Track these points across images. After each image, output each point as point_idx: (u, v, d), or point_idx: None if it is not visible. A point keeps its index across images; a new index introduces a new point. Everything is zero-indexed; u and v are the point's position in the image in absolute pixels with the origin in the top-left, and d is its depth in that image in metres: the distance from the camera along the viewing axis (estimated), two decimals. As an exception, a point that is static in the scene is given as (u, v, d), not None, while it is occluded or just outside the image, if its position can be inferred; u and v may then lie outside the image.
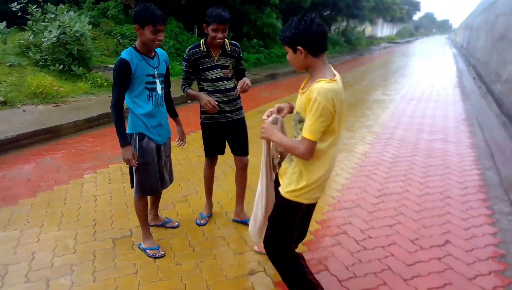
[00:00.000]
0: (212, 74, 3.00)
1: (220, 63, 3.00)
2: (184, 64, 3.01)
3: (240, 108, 3.21)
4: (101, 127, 6.40)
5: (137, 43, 2.65)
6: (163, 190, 3.08)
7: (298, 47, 1.82)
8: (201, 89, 3.08)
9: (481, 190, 4.12)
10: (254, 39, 16.74)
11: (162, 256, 2.86)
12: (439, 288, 2.58)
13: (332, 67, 1.96)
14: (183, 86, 3.11)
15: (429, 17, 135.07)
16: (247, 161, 3.28)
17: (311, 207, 2.10)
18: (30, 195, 3.82)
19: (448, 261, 2.88)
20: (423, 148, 5.56)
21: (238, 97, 3.17)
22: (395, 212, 3.64)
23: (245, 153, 3.25)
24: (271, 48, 17.32)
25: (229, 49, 3.03)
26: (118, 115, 2.58)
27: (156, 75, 2.72)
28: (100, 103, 7.37)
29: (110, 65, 10.06)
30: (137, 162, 2.66)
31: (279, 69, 14.53)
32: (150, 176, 2.78)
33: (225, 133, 3.20)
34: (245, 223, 3.26)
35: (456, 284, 2.62)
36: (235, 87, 3.10)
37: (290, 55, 1.91)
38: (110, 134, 6.02)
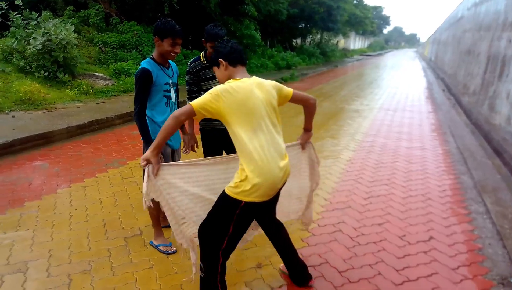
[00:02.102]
0: (211, 84, 3.15)
1: None
2: (187, 76, 3.19)
3: None
4: (93, 133, 6.49)
5: (154, 54, 2.86)
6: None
7: (220, 59, 2.19)
8: None
9: (458, 193, 4.51)
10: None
11: (174, 252, 3.06)
12: (427, 277, 2.88)
13: (252, 77, 2.19)
14: (189, 99, 3.25)
15: (398, 31, 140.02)
16: None
17: (252, 207, 2.09)
18: (35, 198, 3.92)
19: (433, 254, 3.20)
20: (403, 154, 5.96)
21: None
22: (383, 212, 3.95)
23: None
24: (250, 59, 17.69)
25: None
26: (142, 122, 2.74)
27: (171, 84, 2.95)
28: (89, 110, 7.45)
29: (94, 73, 10.11)
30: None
31: (259, 79, 14.85)
32: None
33: (223, 141, 3.31)
34: None
35: (441, 273, 2.93)
36: None
37: (216, 71, 2.27)
38: (102, 141, 6.12)
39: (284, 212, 2.89)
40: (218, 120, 3.15)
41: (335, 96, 12.22)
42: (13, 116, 6.53)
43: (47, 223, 3.41)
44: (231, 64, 2.18)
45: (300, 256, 2.82)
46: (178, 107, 3.17)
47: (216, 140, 3.29)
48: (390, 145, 6.50)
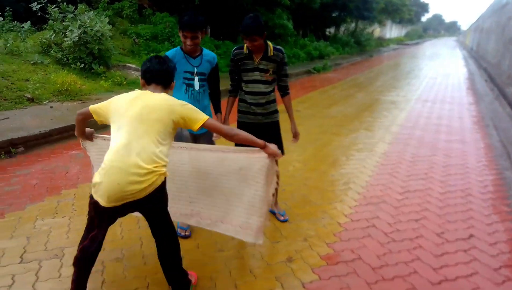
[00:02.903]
0: (250, 76, 3.17)
1: (261, 66, 3.13)
2: (230, 64, 3.24)
3: (273, 112, 3.30)
4: (126, 123, 6.60)
5: None
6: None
7: (140, 77, 2.36)
8: (240, 89, 3.27)
9: (501, 189, 4.27)
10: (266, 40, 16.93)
11: (185, 237, 3.14)
12: (467, 277, 2.74)
13: (157, 93, 2.22)
14: (229, 90, 3.35)
15: (437, 18, 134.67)
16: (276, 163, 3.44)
17: (96, 205, 2.05)
18: (71, 186, 4.03)
19: (473, 253, 3.04)
20: (442, 148, 5.71)
21: (272, 102, 3.28)
22: (419, 207, 3.79)
23: None
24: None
25: (272, 54, 3.12)
26: None
27: (195, 73, 3.01)
28: (123, 100, 7.58)
29: (128, 64, 10.30)
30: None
31: (291, 69, 14.67)
32: None
33: (257, 135, 3.32)
34: (274, 213, 3.51)
35: (482, 273, 2.78)
36: (270, 92, 3.23)
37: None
38: (135, 131, 6.22)
39: (232, 217, 2.62)
40: (251, 114, 3.21)
41: (369, 86, 11.90)
42: (51, 107, 6.74)
43: (82, 211, 3.49)
44: (146, 82, 2.29)
45: (332, 251, 2.74)
46: (215, 97, 3.25)
47: (252, 134, 3.26)
48: (428, 138, 6.25)
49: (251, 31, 2.93)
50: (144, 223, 3.30)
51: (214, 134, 3.25)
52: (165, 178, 2.13)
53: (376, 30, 41.70)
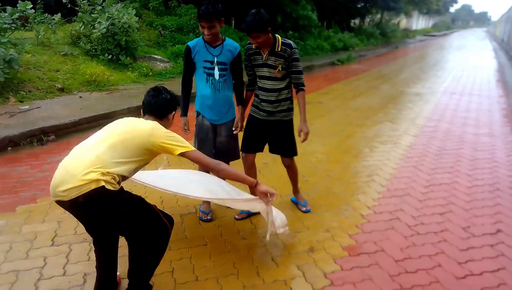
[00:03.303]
0: (260, 72, 3.10)
1: (269, 62, 3.02)
2: (245, 58, 3.18)
3: (282, 111, 3.15)
4: (152, 114, 6.73)
5: None
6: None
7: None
8: (256, 83, 3.22)
9: (531, 184, 4.14)
10: (290, 31, 16.81)
11: (207, 220, 3.25)
12: (493, 272, 2.69)
13: (147, 120, 2.27)
14: (247, 84, 3.32)
15: (466, 9, 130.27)
16: (289, 162, 3.35)
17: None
18: (99, 174, 4.15)
19: (500, 248, 2.98)
20: (469, 141, 5.57)
21: (284, 100, 3.13)
22: (445, 201, 3.73)
23: (284, 154, 3.32)
24: (307, 40, 17.35)
25: (279, 49, 2.97)
26: (182, 90, 3.21)
27: (215, 62, 3.05)
28: (148, 91, 7.72)
29: (154, 56, 10.44)
30: (188, 132, 3.22)
31: (314, 61, 14.57)
32: (203, 149, 3.14)
33: (265, 132, 3.24)
34: (296, 204, 3.55)
35: (509, 269, 2.72)
36: (282, 89, 3.09)
37: None
38: (160, 121, 6.34)
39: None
40: (261, 110, 3.16)
41: (394, 78, 11.68)
42: (80, 97, 6.93)
43: (109, 197, 3.60)
44: (143, 112, 2.38)
45: (354, 243, 2.74)
46: (238, 88, 3.25)
47: (257, 129, 3.23)
48: (454, 131, 6.11)
49: (251, 29, 2.82)
50: (168, 211, 3.39)
51: (235, 124, 3.26)
52: (120, 189, 2.05)
53: (402, 21, 40.70)
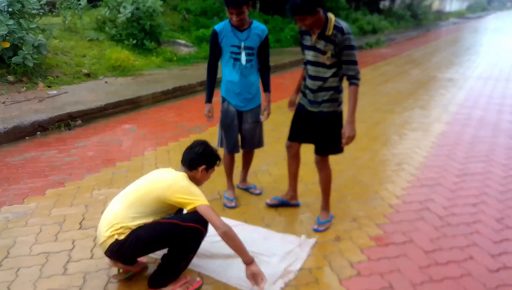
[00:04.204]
0: (307, 55, 2.77)
1: (318, 46, 2.64)
2: (299, 36, 2.87)
3: (327, 101, 2.77)
4: (176, 99, 6.75)
5: None
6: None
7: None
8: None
9: None
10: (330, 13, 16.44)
11: (231, 207, 3.25)
12: (529, 267, 2.56)
13: (175, 172, 2.39)
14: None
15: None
16: (320, 162, 2.95)
17: None
18: (125, 159, 4.19)
19: (538, 241, 2.83)
20: (505, 129, 5.32)
21: (327, 90, 2.74)
22: (478, 191, 3.58)
23: (318, 151, 2.91)
24: (334, 24, 16.92)
25: (330, 33, 2.55)
26: (208, 76, 3.15)
27: (242, 47, 2.97)
28: (172, 76, 7.74)
29: (178, 40, 10.43)
30: (212, 119, 3.16)
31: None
32: (228, 135, 3.15)
33: (310, 123, 2.89)
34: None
35: (547, 264, 2.59)
36: (328, 78, 2.71)
37: None
38: (185, 106, 6.35)
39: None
40: (306, 99, 2.87)
41: (425, 63, 11.28)
42: (106, 82, 7.01)
43: (135, 182, 3.63)
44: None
45: (382, 233, 2.67)
46: (264, 73, 3.15)
47: (300, 118, 2.94)
48: (489, 118, 5.85)
49: (295, 9, 2.48)
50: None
51: (262, 111, 3.18)
52: (131, 231, 2.17)
53: (435, 3, 39.08)
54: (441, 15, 36.75)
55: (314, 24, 2.57)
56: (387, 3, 27.59)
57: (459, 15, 44.58)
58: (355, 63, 2.63)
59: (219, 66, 3.15)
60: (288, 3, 2.49)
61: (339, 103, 2.82)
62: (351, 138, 2.70)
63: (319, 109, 2.80)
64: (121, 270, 2.40)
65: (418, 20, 27.43)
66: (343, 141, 2.71)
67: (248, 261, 2.20)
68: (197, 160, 2.39)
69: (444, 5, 44.57)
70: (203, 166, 2.39)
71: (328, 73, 2.70)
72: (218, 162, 2.49)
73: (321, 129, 2.83)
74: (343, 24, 2.57)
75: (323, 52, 2.64)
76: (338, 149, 2.88)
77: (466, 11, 52.56)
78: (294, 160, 3.12)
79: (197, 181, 2.40)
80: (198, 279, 2.38)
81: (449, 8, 46.80)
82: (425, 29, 24.37)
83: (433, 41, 18.15)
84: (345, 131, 2.69)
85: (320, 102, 2.78)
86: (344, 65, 2.65)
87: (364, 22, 19.16)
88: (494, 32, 23.55)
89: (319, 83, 2.73)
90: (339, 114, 2.86)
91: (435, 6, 39.17)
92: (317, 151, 2.92)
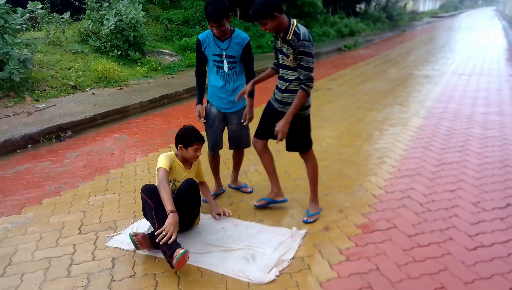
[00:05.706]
0: (277, 57, 2.99)
1: (283, 49, 2.84)
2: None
3: (288, 104, 2.88)
4: (164, 107, 6.88)
5: None
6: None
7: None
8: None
9: (541, 159, 4.19)
10: (295, 19, 16.72)
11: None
12: (503, 243, 2.78)
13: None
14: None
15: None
16: (303, 156, 3.17)
17: None
18: (118, 166, 4.31)
19: (510, 221, 3.06)
20: (479, 120, 5.61)
21: (293, 92, 2.86)
22: (455, 179, 3.81)
23: (287, 148, 3.13)
24: (312, 28, 17.23)
25: (290, 37, 2.73)
26: (196, 79, 3.38)
27: (224, 56, 3.16)
28: (158, 85, 7.87)
29: (162, 50, 10.54)
30: (202, 119, 3.38)
31: (321, 48, 14.52)
32: (210, 136, 3.39)
33: (274, 122, 2.95)
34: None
35: (519, 240, 2.81)
36: (293, 80, 2.86)
37: None
38: (172, 114, 6.48)
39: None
40: (275, 99, 3.04)
41: (402, 62, 11.65)
42: (93, 93, 7.08)
43: (130, 188, 3.75)
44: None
45: (367, 221, 2.85)
46: (249, 79, 3.25)
47: (268, 115, 3.10)
48: (464, 111, 6.15)
49: (254, 14, 2.68)
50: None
51: (243, 116, 3.29)
52: None
53: (409, 4, 40.02)
54: (415, 16, 37.68)
55: (278, 28, 2.77)
56: (363, 6, 28.21)
57: (433, 14, 45.73)
58: (307, 69, 2.75)
59: (206, 70, 3.34)
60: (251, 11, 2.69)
61: (304, 107, 2.92)
62: (283, 134, 2.86)
63: (285, 110, 2.93)
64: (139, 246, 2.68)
65: (393, 21, 28.11)
66: (278, 137, 2.87)
67: (169, 211, 2.56)
68: (175, 141, 2.96)
69: (418, 6, 45.69)
70: (180, 145, 2.92)
71: (293, 75, 2.86)
72: (196, 142, 2.89)
73: (292, 129, 2.92)
74: (302, 31, 2.72)
75: (287, 56, 2.83)
76: (306, 147, 3.12)
77: (439, 10, 53.91)
78: (264, 154, 3.21)
79: (187, 158, 2.98)
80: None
81: (422, 8, 47.97)
82: (400, 30, 24.99)
83: (409, 41, 18.67)
84: (278, 126, 2.86)
85: (286, 104, 2.93)
86: (298, 68, 2.79)
87: (342, 25, 19.59)
88: (467, 30, 24.31)
89: (285, 84, 2.92)
90: (305, 118, 3.03)
91: (410, 7, 40.14)
92: (287, 148, 3.15)
